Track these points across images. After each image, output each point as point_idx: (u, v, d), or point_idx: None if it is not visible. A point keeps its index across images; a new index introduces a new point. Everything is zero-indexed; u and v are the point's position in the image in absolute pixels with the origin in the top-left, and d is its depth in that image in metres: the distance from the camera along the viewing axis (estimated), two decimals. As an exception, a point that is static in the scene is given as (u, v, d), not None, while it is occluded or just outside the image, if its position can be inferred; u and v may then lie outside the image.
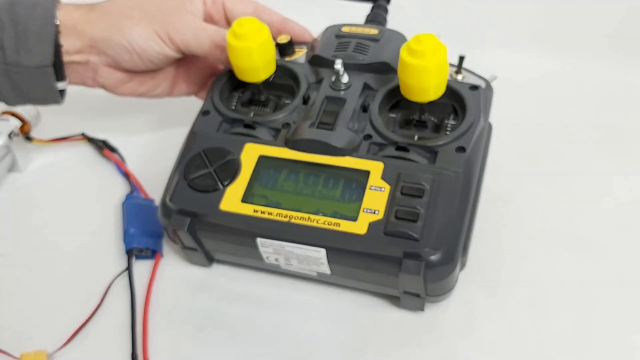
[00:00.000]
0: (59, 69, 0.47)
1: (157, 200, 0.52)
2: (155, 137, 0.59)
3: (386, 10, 0.57)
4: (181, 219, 0.44)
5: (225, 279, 0.48)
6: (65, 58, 0.47)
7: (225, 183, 0.44)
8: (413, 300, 0.43)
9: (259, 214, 0.43)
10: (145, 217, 0.51)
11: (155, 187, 0.54)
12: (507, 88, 0.51)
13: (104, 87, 0.51)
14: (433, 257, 0.40)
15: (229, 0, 0.52)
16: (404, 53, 0.42)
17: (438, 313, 0.45)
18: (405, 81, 0.43)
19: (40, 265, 0.50)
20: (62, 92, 0.50)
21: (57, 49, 0.46)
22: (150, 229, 0.50)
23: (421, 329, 0.44)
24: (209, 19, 0.52)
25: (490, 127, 0.49)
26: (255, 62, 0.46)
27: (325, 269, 0.43)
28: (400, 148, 0.44)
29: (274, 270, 0.47)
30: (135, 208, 0.52)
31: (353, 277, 0.44)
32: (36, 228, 0.53)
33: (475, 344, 0.43)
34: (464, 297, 0.45)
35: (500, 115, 0.50)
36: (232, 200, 0.44)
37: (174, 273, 0.49)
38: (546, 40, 0.63)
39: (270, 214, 0.43)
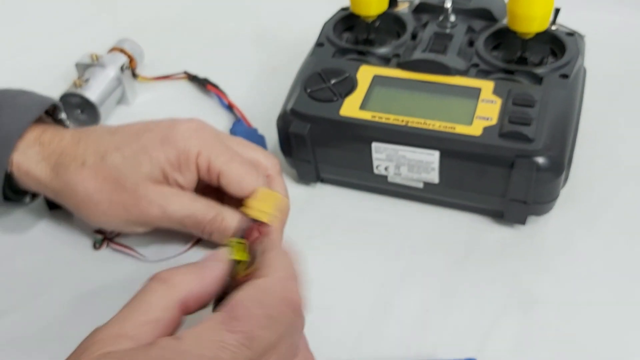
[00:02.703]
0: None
1: (260, 130, 0.56)
2: (253, 76, 0.64)
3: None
4: (302, 125, 0.47)
5: (330, 198, 0.51)
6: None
7: (344, 95, 0.48)
8: (517, 210, 0.45)
9: (376, 119, 0.46)
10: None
11: (256, 121, 0.57)
12: (593, 46, 0.55)
13: None
14: (544, 158, 0.43)
15: None
16: (516, -17, 0.46)
17: (537, 229, 0.47)
18: (514, 11, 0.47)
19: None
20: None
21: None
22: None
23: (520, 244, 0.46)
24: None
25: (585, 70, 0.52)
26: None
27: (434, 176, 0.46)
28: (507, 72, 0.48)
29: (378, 189, 0.50)
30: (244, 134, 0.55)
31: (460, 185, 0.46)
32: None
33: (572, 260, 0.45)
34: (562, 215, 0.47)
35: (589, 68, 0.54)
36: (350, 107, 0.47)
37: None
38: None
39: (387, 118, 0.46)
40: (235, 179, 0.43)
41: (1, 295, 0.45)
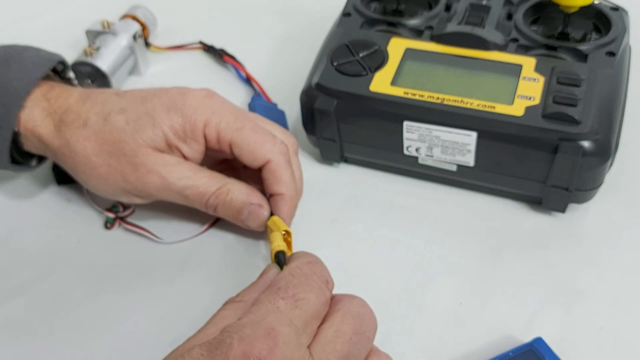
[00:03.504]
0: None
1: (280, 105, 0.53)
2: (273, 47, 0.60)
3: None
4: (328, 100, 0.44)
5: (355, 179, 0.48)
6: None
7: (373, 69, 0.45)
8: (558, 197, 0.42)
9: (409, 96, 0.43)
10: (273, 119, 0.50)
11: (275, 95, 0.54)
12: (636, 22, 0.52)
13: None
14: (591, 143, 0.39)
15: None
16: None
17: (577, 218, 0.44)
18: (559, -18, 0.44)
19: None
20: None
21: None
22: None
23: (560, 233, 0.43)
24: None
25: (630, 49, 0.49)
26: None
27: (470, 159, 0.43)
28: (548, 48, 0.45)
29: (407, 171, 0.47)
30: (263, 109, 0.51)
31: (497, 169, 0.43)
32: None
33: (616, 251, 0.42)
34: (604, 203, 0.44)
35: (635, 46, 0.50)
36: (381, 83, 0.44)
37: (303, 173, 0.48)
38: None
39: (421, 95, 0.43)
40: (247, 148, 0.41)
41: (9, 275, 0.43)
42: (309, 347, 0.29)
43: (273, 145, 0.41)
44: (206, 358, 0.27)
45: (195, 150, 0.41)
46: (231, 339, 0.27)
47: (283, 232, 0.39)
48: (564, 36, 0.46)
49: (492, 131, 0.41)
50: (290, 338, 0.28)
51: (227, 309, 0.32)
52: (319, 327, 0.30)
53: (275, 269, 0.35)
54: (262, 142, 0.41)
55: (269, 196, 0.43)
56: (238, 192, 0.41)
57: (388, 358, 0.32)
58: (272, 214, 0.42)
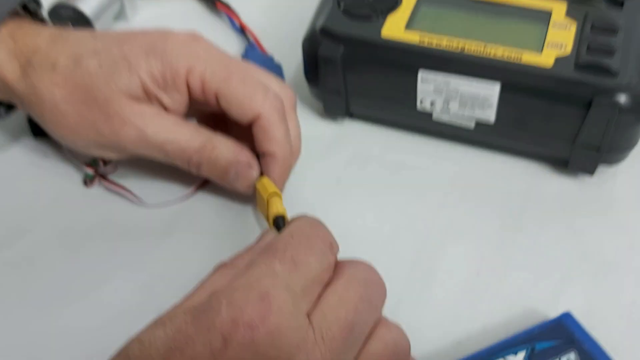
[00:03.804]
0: None
1: (277, 58, 0.48)
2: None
3: None
4: (334, 46, 0.39)
5: (361, 137, 0.44)
6: None
7: (385, 12, 0.40)
8: (587, 158, 0.38)
9: (425, 42, 0.38)
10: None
11: (272, 47, 0.49)
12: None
13: None
14: (629, 97, 0.35)
15: None
16: None
17: (606, 181, 0.40)
18: None
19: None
20: None
21: None
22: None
23: (587, 197, 0.39)
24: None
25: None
26: None
27: (490, 114, 0.39)
28: (582, -7, 0.40)
29: (419, 128, 0.43)
30: (258, 62, 0.46)
31: (520, 126, 0.39)
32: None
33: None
34: (635, 165, 0.40)
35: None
36: (394, 27, 0.39)
37: (303, 130, 0.44)
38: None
39: (439, 42, 0.38)
40: (236, 100, 0.36)
41: (-24, 235, 0.39)
42: (308, 315, 0.25)
43: (265, 98, 0.37)
44: (190, 325, 0.24)
45: (177, 101, 0.37)
46: (219, 304, 0.24)
47: (271, 194, 0.35)
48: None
49: (517, 83, 0.37)
50: (286, 304, 0.24)
51: (218, 274, 0.28)
52: (320, 294, 0.27)
53: (273, 233, 0.31)
54: (252, 95, 0.36)
55: (260, 155, 0.38)
56: (224, 149, 0.37)
57: (398, 329, 0.28)
58: (262, 174, 0.38)
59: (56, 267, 0.37)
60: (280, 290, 0.25)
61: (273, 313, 0.24)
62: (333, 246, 0.28)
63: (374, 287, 0.28)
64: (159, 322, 0.25)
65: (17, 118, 0.43)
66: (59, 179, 0.42)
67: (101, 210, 0.40)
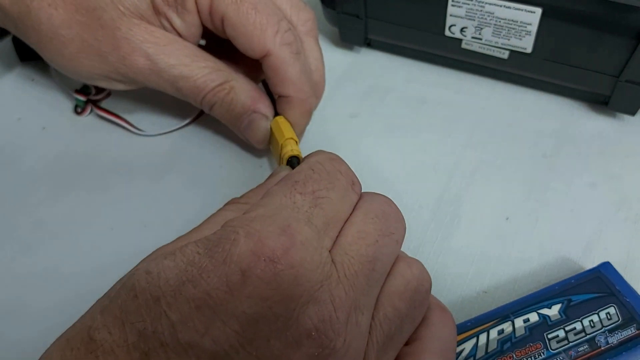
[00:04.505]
0: None
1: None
2: None
3: None
4: (354, -39, 0.35)
5: (380, 67, 0.40)
6: None
7: None
8: (631, 95, 0.35)
9: (458, -41, 0.34)
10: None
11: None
12: None
13: None
14: (688, 26, 0.31)
15: None
16: None
17: (648, 123, 0.37)
18: None
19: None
20: None
21: None
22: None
23: (627, 139, 0.36)
24: None
25: None
26: None
27: (528, 43, 0.35)
28: None
29: (445, 59, 0.39)
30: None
31: (560, 58, 0.35)
32: None
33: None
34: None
35: None
36: (423, -59, 0.35)
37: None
38: None
39: (474, -41, 0.34)
40: (243, 30, 0.32)
41: (-43, 165, 0.35)
42: (329, 251, 0.22)
43: (275, 32, 0.32)
44: (203, 257, 0.21)
45: (190, 23, 0.33)
46: (236, 234, 0.21)
47: (287, 140, 0.32)
48: None
49: (562, 7, 0.33)
50: (310, 239, 0.21)
51: (229, 209, 0.25)
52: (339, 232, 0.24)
53: (288, 170, 0.28)
54: (262, 26, 0.32)
55: (276, 99, 0.34)
56: (242, 93, 0.33)
57: (419, 264, 0.25)
58: (277, 114, 0.34)
59: (44, 201, 0.34)
60: (303, 224, 0.22)
61: (296, 247, 0.21)
62: (355, 184, 0.25)
63: (393, 221, 0.25)
64: (167, 252, 0.21)
65: (3, 42, 0.39)
66: (48, 106, 0.38)
67: (94, 140, 0.36)
